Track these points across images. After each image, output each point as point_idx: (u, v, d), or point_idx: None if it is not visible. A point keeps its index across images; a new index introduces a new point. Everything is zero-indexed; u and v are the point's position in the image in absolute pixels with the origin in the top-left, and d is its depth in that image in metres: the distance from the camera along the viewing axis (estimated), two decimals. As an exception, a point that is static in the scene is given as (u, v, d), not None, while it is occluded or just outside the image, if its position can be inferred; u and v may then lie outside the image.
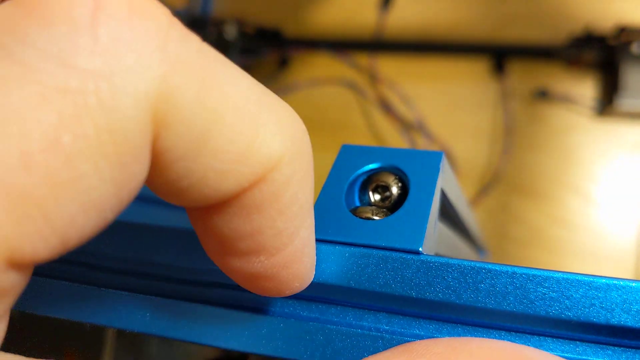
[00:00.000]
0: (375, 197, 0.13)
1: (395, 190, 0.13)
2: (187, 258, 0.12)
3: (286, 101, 0.10)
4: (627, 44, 0.40)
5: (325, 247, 0.12)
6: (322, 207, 0.13)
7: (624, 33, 0.40)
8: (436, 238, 0.14)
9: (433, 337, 0.11)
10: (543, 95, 0.43)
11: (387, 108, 0.45)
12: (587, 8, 0.44)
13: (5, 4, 0.07)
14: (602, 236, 0.39)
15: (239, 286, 0.12)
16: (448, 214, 0.17)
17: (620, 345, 0.10)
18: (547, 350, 0.10)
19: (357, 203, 0.14)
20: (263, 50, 0.48)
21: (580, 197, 0.41)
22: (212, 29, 0.47)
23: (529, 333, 0.11)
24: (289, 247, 0.09)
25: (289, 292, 0.10)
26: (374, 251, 0.12)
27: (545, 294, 0.10)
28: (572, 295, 0.10)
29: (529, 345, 0.11)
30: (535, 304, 0.10)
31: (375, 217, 0.12)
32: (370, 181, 0.14)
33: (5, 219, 0.07)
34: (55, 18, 0.07)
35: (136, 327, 0.12)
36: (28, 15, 0.07)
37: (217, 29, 0.47)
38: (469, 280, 0.11)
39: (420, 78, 0.47)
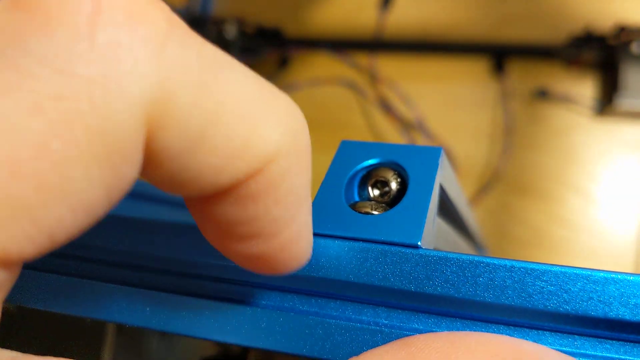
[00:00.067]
0: (374, 192, 0.14)
1: (394, 185, 0.13)
2: (186, 251, 0.12)
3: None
4: (627, 43, 0.40)
5: (324, 242, 0.12)
6: (322, 202, 0.13)
7: (624, 33, 0.40)
8: (435, 233, 0.14)
9: (432, 331, 0.11)
10: (543, 95, 0.43)
11: (387, 108, 0.45)
12: (587, 8, 0.44)
13: (3, 8, 0.07)
14: (602, 235, 0.40)
15: (238, 280, 0.12)
16: (447, 210, 0.17)
17: (618, 339, 0.10)
18: (545, 344, 0.10)
19: (357, 198, 0.14)
20: (263, 50, 0.49)
21: (580, 197, 0.41)
22: (212, 28, 0.47)
23: (527, 327, 0.11)
24: (285, 231, 0.10)
25: (286, 272, 0.10)
26: (373, 245, 0.12)
27: (543, 287, 0.10)
28: (570, 289, 0.10)
29: (527, 339, 0.11)
30: (533, 297, 0.10)
31: (375, 212, 0.13)
32: (370, 176, 0.14)
33: None
34: (53, 23, 0.07)
35: (135, 321, 0.12)
36: (26, 20, 0.07)
37: (217, 28, 0.47)
38: (467, 274, 0.11)
39: (420, 78, 0.47)
